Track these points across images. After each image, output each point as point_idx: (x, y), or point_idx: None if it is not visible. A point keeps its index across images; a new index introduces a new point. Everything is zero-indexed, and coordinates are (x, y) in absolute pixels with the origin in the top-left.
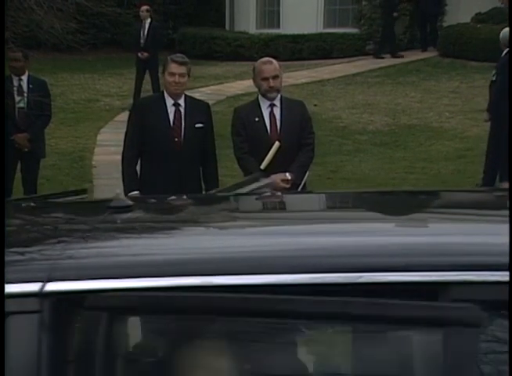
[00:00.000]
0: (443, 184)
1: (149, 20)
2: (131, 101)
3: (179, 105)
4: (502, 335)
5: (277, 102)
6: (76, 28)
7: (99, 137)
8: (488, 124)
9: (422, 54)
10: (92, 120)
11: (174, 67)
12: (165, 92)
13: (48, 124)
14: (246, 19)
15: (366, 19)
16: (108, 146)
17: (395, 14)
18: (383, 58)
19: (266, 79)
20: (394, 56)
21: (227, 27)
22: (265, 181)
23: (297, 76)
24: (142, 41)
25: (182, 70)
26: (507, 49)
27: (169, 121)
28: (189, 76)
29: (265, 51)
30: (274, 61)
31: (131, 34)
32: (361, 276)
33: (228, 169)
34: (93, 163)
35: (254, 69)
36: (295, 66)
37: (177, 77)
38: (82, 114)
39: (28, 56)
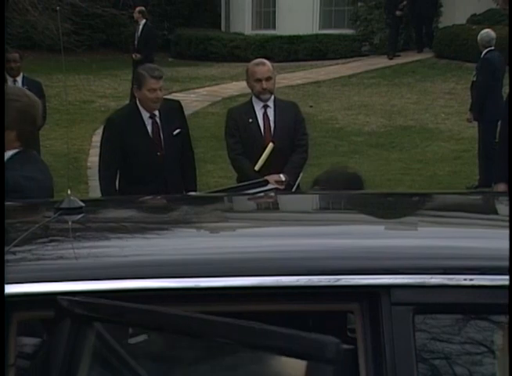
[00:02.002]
0: (439, 186)
1: (143, 21)
2: (126, 102)
3: (155, 115)
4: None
5: (270, 103)
6: (71, 29)
7: (94, 138)
8: (476, 124)
9: (418, 55)
10: (87, 121)
11: (153, 83)
12: (139, 105)
13: (42, 126)
14: (242, 20)
15: (362, 21)
16: None
17: (398, 13)
18: (399, 55)
19: (259, 81)
20: (390, 57)
21: (223, 27)
22: (268, 187)
23: (293, 77)
24: (135, 42)
25: (161, 83)
26: (486, 50)
27: (148, 136)
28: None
29: (261, 52)
30: (267, 62)
31: (126, 36)
32: (339, 279)
33: (224, 170)
34: (88, 164)
35: (247, 70)
36: (291, 67)
37: (158, 92)
38: (77, 116)
39: (22, 57)
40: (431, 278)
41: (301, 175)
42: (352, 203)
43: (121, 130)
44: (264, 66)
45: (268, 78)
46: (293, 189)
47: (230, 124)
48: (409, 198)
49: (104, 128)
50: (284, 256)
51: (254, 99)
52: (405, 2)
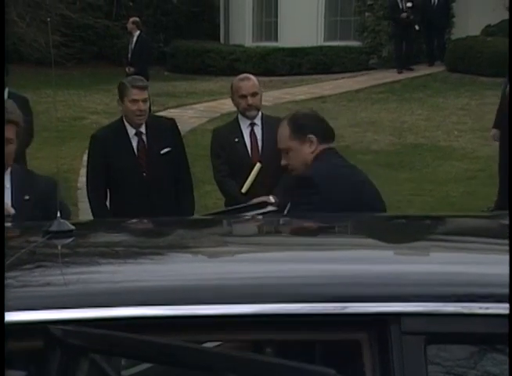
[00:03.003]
0: (452, 208)
1: (137, 33)
2: None
3: (142, 133)
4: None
5: (257, 120)
6: (61, 41)
7: (84, 157)
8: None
9: (429, 69)
10: (78, 139)
11: (135, 93)
12: (125, 121)
13: (29, 144)
14: (242, 31)
15: (370, 32)
16: None
17: (403, 15)
18: (412, 69)
19: (244, 97)
20: (399, 71)
21: (221, 39)
22: (268, 208)
23: (296, 92)
24: (129, 55)
25: (144, 95)
26: None
27: (134, 155)
28: (149, 99)
29: (262, 65)
30: (252, 77)
31: (120, 48)
32: (345, 307)
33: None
34: (78, 185)
35: (231, 87)
36: (294, 81)
37: (141, 104)
38: (67, 133)
39: (9, 70)
40: (444, 306)
41: None
42: (359, 226)
43: (105, 147)
44: (249, 81)
45: (254, 94)
46: (285, 213)
47: (215, 145)
48: (420, 221)
49: (89, 146)
50: (286, 282)
51: (239, 117)
52: (409, 4)
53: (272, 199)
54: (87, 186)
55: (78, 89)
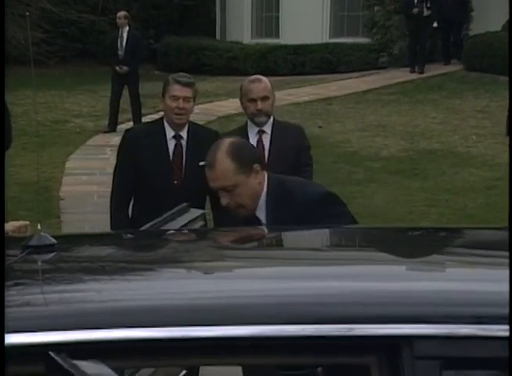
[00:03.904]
0: (469, 220)
1: (127, 28)
2: (105, 122)
3: (181, 137)
4: None
5: (267, 128)
6: (41, 38)
7: (67, 164)
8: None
9: (444, 68)
10: (60, 144)
11: (176, 89)
12: (165, 121)
13: (7, 149)
14: (240, 27)
15: (379, 28)
16: (78, 174)
17: (415, 10)
18: (421, 72)
19: (253, 101)
20: (412, 70)
21: (218, 36)
22: (196, 212)
23: (299, 93)
24: (120, 52)
25: (187, 92)
26: None
27: (168, 159)
28: (194, 100)
29: (262, 64)
30: (264, 79)
31: (107, 45)
32: (352, 329)
33: None
34: (61, 195)
35: (240, 89)
36: (297, 81)
37: (181, 101)
38: (48, 138)
39: None
40: (461, 328)
41: None
42: (368, 239)
43: (137, 147)
44: (260, 84)
45: (265, 98)
46: None
47: None
48: (435, 234)
49: (120, 142)
50: (288, 301)
51: (249, 123)
52: None
53: None
54: (112, 186)
55: (61, 90)
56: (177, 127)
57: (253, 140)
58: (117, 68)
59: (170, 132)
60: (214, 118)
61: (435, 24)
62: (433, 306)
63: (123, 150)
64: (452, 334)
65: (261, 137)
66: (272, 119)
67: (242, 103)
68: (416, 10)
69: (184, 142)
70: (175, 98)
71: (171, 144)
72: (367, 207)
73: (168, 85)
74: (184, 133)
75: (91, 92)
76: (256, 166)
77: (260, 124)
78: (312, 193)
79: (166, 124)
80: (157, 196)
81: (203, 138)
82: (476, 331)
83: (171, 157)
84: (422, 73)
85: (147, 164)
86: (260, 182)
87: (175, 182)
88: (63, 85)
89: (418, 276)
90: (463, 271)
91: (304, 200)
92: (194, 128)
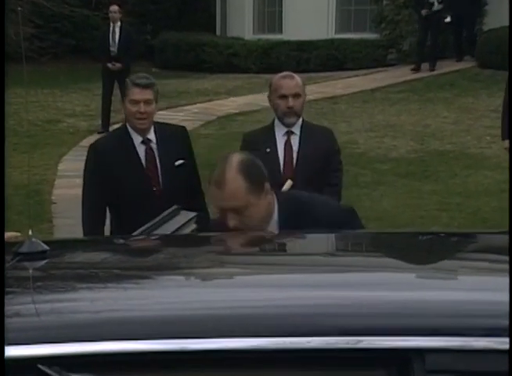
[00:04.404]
0: (483, 224)
1: (119, 23)
2: (99, 122)
3: (150, 141)
4: None
5: (296, 129)
6: (33, 33)
7: (60, 166)
8: None
9: (457, 64)
10: (52, 145)
11: (136, 93)
12: (129, 127)
13: None
14: (242, 22)
15: (388, 23)
16: (71, 177)
17: (424, 12)
18: (433, 69)
19: (284, 97)
20: (417, 68)
21: (218, 31)
22: (188, 215)
23: None
24: (113, 48)
25: (148, 95)
26: None
27: (141, 167)
28: (156, 102)
29: (264, 61)
30: (296, 76)
31: (99, 41)
32: (360, 341)
33: None
34: (53, 198)
35: (270, 85)
36: (301, 79)
37: (142, 105)
38: (40, 138)
39: None
40: (475, 340)
41: None
42: (377, 245)
43: (106, 160)
44: (292, 80)
45: (297, 95)
46: None
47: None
48: (447, 239)
49: (86, 157)
50: (292, 312)
51: (276, 122)
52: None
53: None
54: (82, 204)
55: (53, 88)
56: (142, 132)
57: (280, 141)
58: (110, 65)
59: (137, 138)
60: (214, 118)
61: (448, 19)
62: (445, 317)
63: (90, 167)
64: (465, 346)
65: (289, 138)
66: (301, 120)
67: (270, 101)
68: (424, 12)
69: (154, 145)
70: (135, 102)
71: (141, 150)
72: (375, 211)
73: (127, 89)
74: (152, 136)
75: (84, 91)
76: (267, 185)
77: (289, 125)
78: (325, 214)
79: (131, 130)
80: (138, 208)
81: (172, 136)
82: (491, 344)
83: (144, 164)
84: (433, 70)
85: (120, 176)
86: (270, 202)
87: (154, 189)
88: (56, 83)
89: (429, 285)
90: (477, 279)
91: (317, 220)
92: (160, 128)
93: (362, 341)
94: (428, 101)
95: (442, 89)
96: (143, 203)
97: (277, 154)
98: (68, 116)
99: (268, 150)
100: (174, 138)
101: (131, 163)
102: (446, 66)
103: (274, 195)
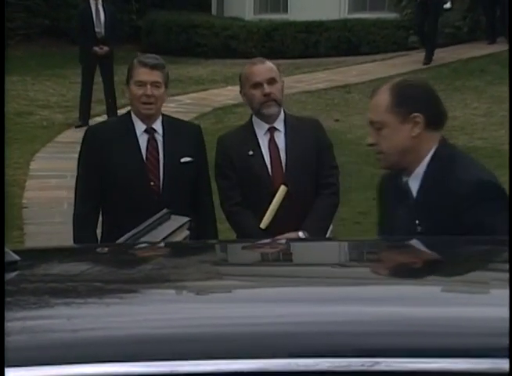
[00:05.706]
0: None
1: (100, 1)
2: (77, 115)
3: (154, 131)
4: None
5: (279, 124)
6: None
7: (32, 165)
8: None
9: (488, 48)
10: (23, 141)
11: (143, 73)
12: (132, 114)
13: None
14: (241, 0)
15: (409, 0)
16: (46, 177)
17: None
18: (431, 59)
19: (258, 85)
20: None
21: (213, 11)
22: (181, 220)
23: (312, 79)
24: (98, 29)
25: (156, 76)
26: None
27: (141, 157)
28: (166, 86)
29: (267, 44)
30: (268, 61)
31: (79, 20)
32: (377, 363)
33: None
34: (24, 202)
35: (240, 77)
36: (309, 65)
37: (148, 87)
38: (9, 133)
39: None
40: (505, 363)
41: (331, 228)
42: (395, 252)
43: (102, 148)
44: (264, 65)
45: (272, 81)
46: None
47: (222, 161)
48: (477, 246)
49: (82, 143)
50: (299, 330)
51: (254, 119)
52: None
53: (301, 235)
54: (75, 198)
55: (24, 75)
56: (147, 119)
57: (263, 140)
58: (98, 49)
59: (140, 126)
60: (210, 110)
61: (448, 4)
62: (474, 336)
63: (85, 153)
64: (494, 369)
65: (272, 136)
66: (283, 113)
67: (244, 95)
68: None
69: (159, 137)
70: (142, 84)
71: (143, 140)
72: None
73: (133, 69)
74: (157, 125)
75: (60, 78)
76: (417, 117)
77: (270, 118)
78: (472, 182)
79: (134, 117)
80: (132, 203)
81: (181, 132)
82: None
83: (144, 155)
84: (428, 63)
85: (116, 166)
86: (416, 136)
87: (152, 183)
88: (27, 69)
89: (456, 300)
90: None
91: (461, 185)
92: (170, 121)
93: (379, 362)
94: (456, 90)
95: (472, 76)
96: (138, 199)
97: (262, 156)
98: (41, 107)
99: (250, 152)
100: (185, 134)
101: (129, 151)
102: (477, 50)
103: (435, 139)
